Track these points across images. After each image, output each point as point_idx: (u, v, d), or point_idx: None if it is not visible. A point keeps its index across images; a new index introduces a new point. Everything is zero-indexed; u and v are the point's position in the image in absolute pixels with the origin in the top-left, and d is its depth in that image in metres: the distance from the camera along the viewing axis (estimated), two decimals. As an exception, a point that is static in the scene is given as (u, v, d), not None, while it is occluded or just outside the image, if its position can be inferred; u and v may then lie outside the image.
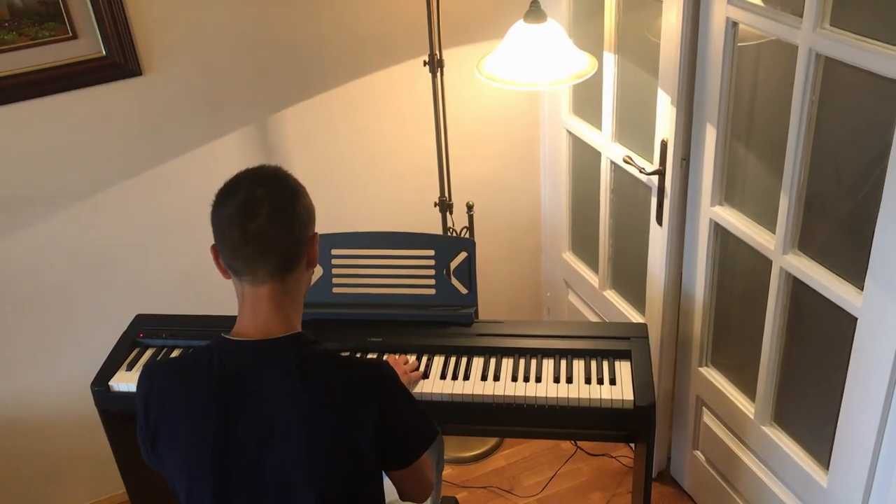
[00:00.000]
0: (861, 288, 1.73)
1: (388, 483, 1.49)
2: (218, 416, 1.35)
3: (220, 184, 2.41)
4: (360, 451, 1.35)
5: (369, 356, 2.10)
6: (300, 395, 1.34)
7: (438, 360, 2.07)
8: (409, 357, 2.07)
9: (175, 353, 2.15)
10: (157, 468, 1.49)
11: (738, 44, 1.95)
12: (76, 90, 2.20)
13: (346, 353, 2.10)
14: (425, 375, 2.03)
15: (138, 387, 1.43)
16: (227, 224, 1.36)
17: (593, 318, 2.88)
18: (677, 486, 2.66)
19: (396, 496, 1.68)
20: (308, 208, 1.42)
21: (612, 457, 2.77)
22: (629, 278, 2.65)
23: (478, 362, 2.06)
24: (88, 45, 2.16)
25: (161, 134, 2.36)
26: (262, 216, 1.34)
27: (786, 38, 1.76)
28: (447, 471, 2.77)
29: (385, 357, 2.07)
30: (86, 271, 2.44)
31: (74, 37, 2.14)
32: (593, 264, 2.81)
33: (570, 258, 2.93)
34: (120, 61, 2.19)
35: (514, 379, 2.00)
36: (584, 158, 2.69)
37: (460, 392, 1.98)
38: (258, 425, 1.35)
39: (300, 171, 2.56)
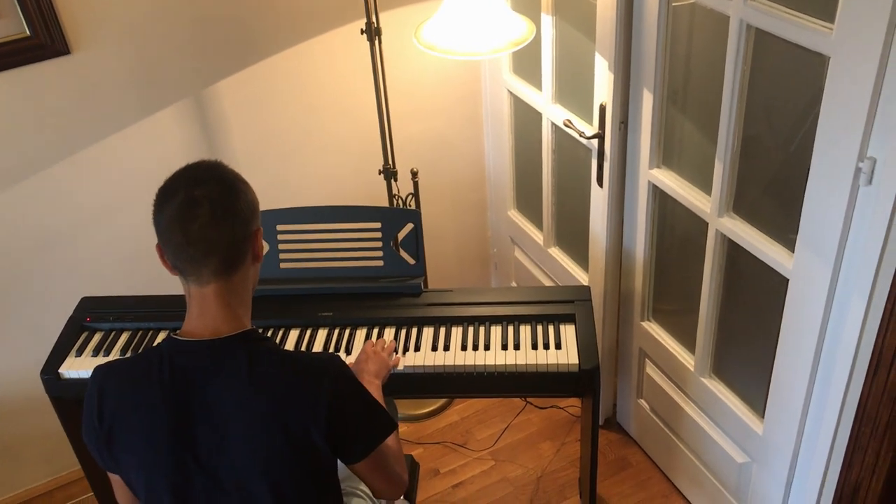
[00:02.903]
0: (792, 250, 1.80)
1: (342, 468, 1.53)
2: (171, 421, 1.37)
3: (159, 159, 2.42)
4: (315, 446, 1.37)
5: (321, 331, 2.13)
6: (250, 397, 1.36)
7: (389, 332, 2.11)
8: (385, 340, 2.02)
9: (124, 337, 2.14)
10: (111, 469, 1.49)
11: (673, 3, 1.97)
12: (1, 72, 2.12)
13: (298, 329, 2.13)
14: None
15: (90, 389, 1.43)
16: (168, 226, 1.35)
17: (539, 275, 2.93)
18: (623, 433, 2.77)
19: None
20: (249, 203, 1.41)
21: (560, 408, 2.86)
22: (573, 236, 2.70)
23: (428, 332, 2.10)
24: (10, 25, 2.07)
25: (95, 112, 2.29)
26: (203, 217, 1.33)
27: (718, 8, 1.78)
28: (401, 428, 2.84)
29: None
30: (26, 254, 2.39)
31: (-6, 17, 2.05)
32: (538, 222, 2.85)
33: (514, 216, 2.97)
34: (45, 41, 2.11)
35: (464, 348, 2.05)
36: (526, 118, 2.71)
37: (412, 363, 2.02)
38: (211, 429, 1.37)
39: (240, 143, 2.56)
